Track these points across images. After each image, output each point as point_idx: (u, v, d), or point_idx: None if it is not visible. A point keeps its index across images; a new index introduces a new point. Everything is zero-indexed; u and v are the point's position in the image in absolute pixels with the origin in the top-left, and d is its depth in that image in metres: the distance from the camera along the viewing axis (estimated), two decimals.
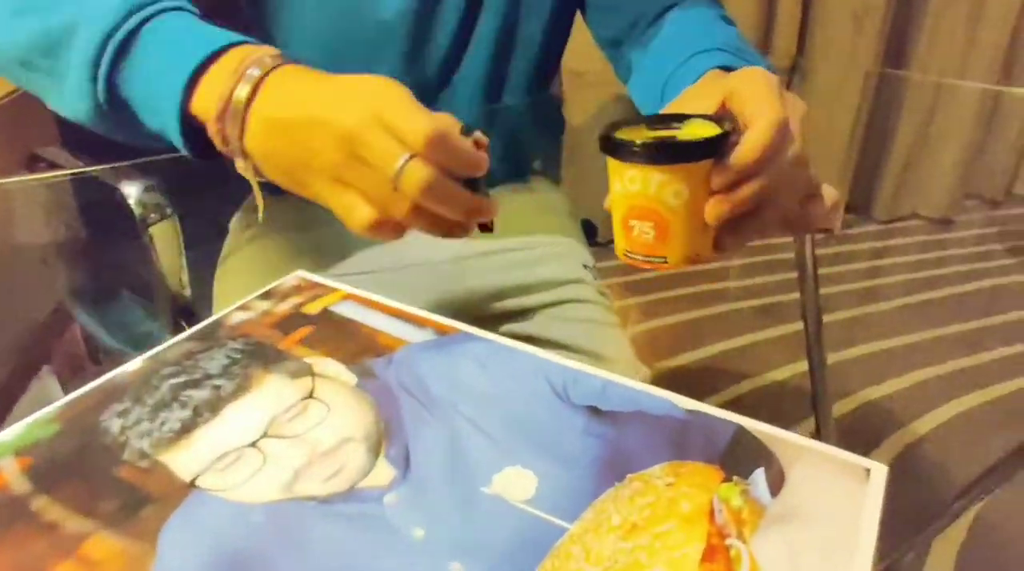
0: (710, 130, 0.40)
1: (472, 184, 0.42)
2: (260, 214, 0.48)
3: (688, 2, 0.69)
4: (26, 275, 1.02)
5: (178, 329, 0.77)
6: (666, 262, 0.42)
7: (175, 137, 0.45)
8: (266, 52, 0.43)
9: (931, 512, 1.01)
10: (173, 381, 0.41)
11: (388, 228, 0.41)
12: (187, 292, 0.75)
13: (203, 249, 0.76)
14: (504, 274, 0.75)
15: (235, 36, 0.44)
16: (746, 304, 1.78)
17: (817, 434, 1.09)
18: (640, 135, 0.41)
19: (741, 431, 0.37)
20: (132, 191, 0.67)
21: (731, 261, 2.01)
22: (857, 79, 1.99)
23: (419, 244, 0.72)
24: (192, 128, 0.44)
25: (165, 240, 0.71)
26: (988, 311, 1.73)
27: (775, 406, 1.39)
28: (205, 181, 0.68)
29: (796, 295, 1.79)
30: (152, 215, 0.70)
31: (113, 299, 0.81)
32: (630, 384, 0.41)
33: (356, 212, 0.41)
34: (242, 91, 0.41)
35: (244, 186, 0.46)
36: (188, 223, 0.71)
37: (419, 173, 0.38)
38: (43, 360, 1.38)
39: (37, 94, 0.49)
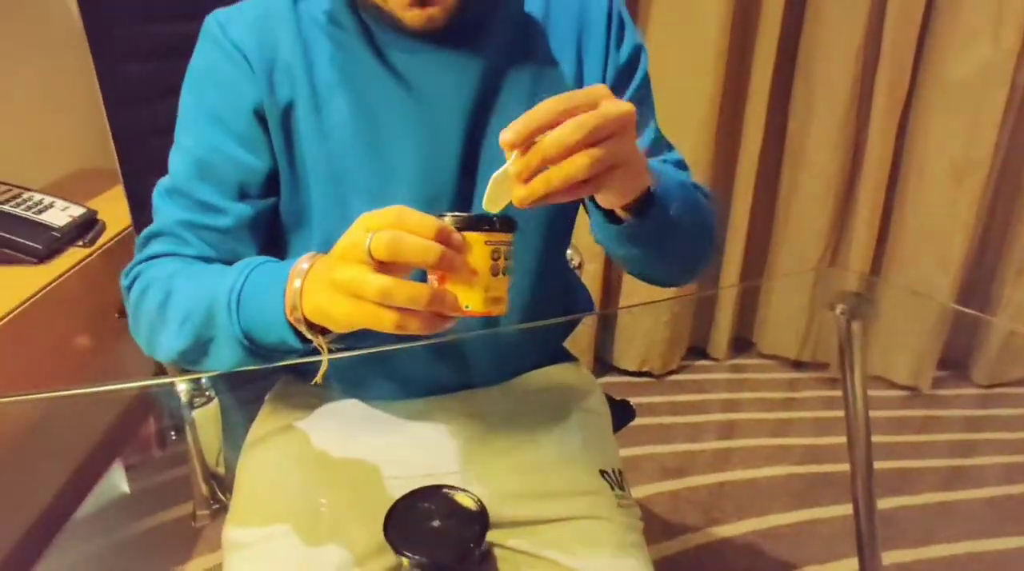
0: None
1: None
2: (320, 375, 0.57)
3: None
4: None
5: (215, 499, 0.82)
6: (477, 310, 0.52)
7: (293, 341, 0.57)
8: (300, 263, 0.56)
9: None
10: None
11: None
12: (222, 469, 0.80)
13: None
14: (515, 477, 0.74)
15: (287, 266, 0.57)
16: (804, 469, 1.67)
17: None
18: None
19: None
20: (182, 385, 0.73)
21: (791, 412, 1.91)
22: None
23: (426, 451, 0.76)
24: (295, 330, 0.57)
25: (207, 423, 0.76)
26: None
27: None
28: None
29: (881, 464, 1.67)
30: (196, 399, 0.75)
31: None
32: None
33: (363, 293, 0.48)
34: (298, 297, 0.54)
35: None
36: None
37: (381, 235, 0.47)
38: (114, 456, 1.50)
39: (202, 367, 0.66)
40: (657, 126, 0.80)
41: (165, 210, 0.69)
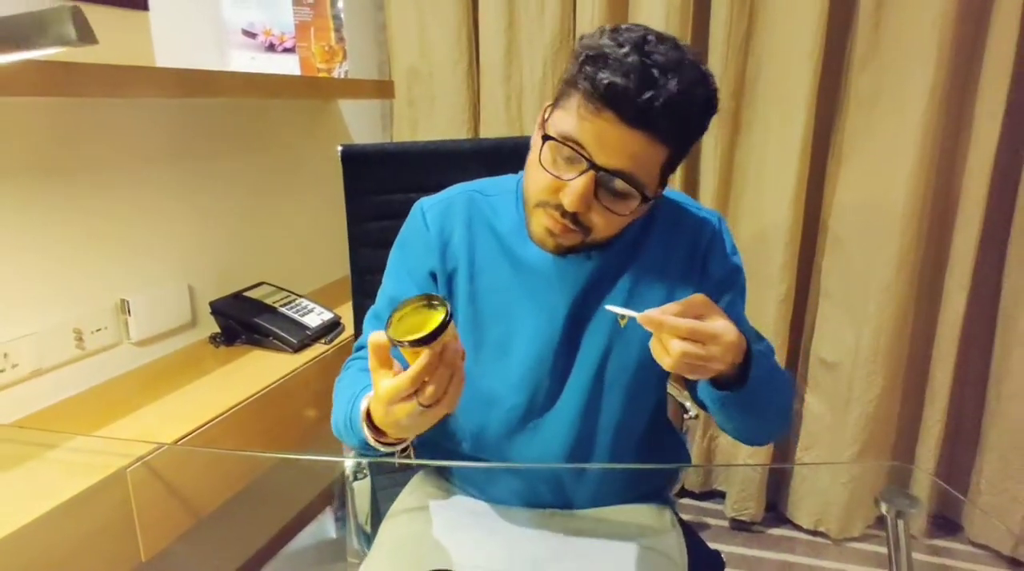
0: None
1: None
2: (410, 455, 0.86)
3: None
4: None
5: (363, 552, 1.07)
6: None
7: (374, 445, 0.81)
8: (363, 408, 0.78)
9: None
10: None
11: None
12: (368, 529, 1.04)
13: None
14: None
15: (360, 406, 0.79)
16: None
17: None
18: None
19: None
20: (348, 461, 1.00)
21: None
22: None
23: (511, 553, 0.93)
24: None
25: (362, 493, 1.02)
26: None
27: None
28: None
29: None
30: (357, 475, 1.02)
31: None
32: None
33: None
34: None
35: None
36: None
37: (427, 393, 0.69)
38: (327, 504, 1.87)
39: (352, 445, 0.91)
40: (747, 327, 0.92)
41: (368, 329, 1.00)
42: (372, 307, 1.00)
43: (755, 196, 1.80)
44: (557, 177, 0.79)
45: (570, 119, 0.77)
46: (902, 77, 1.60)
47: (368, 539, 1.07)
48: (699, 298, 0.74)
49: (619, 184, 0.77)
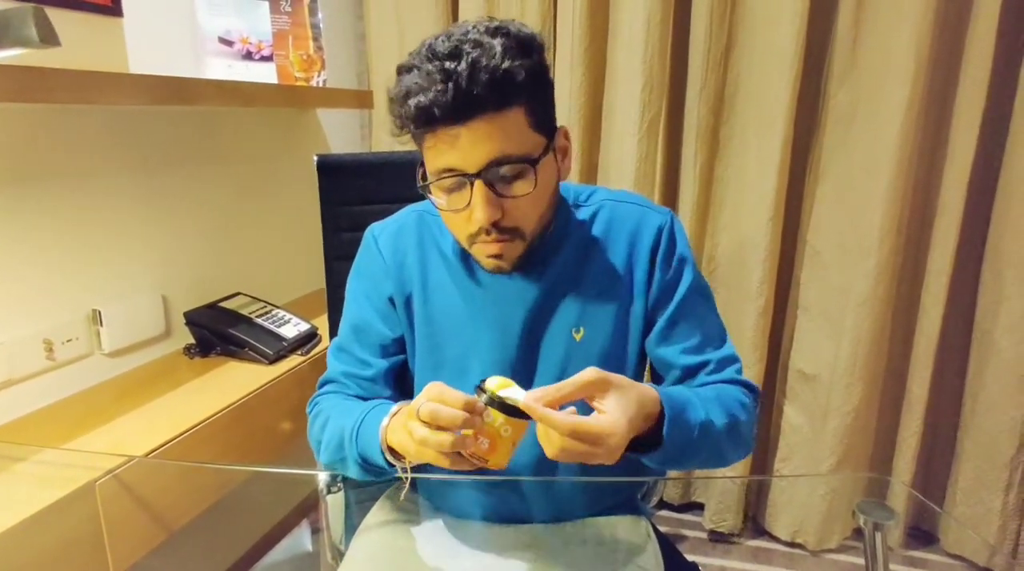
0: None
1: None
2: (403, 494, 0.82)
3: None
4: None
5: (335, 566, 1.05)
6: (487, 463, 0.72)
7: (385, 464, 0.81)
8: (393, 411, 0.80)
9: None
10: None
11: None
12: (342, 546, 1.03)
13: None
14: None
15: (386, 410, 0.81)
16: None
17: None
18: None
19: None
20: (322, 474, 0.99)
21: None
22: None
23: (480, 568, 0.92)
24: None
25: (336, 506, 1.01)
26: None
27: None
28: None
29: None
30: (331, 488, 1.00)
31: None
32: None
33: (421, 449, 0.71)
34: (385, 432, 0.80)
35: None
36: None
37: (425, 406, 0.69)
38: (303, 518, 1.84)
39: (341, 472, 0.92)
40: (711, 325, 0.92)
41: (334, 363, 0.98)
42: (335, 340, 0.99)
43: (734, 210, 1.81)
44: (460, 209, 0.79)
45: (428, 159, 0.78)
46: (880, 93, 1.62)
47: (342, 553, 1.05)
48: (593, 378, 0.70)
49: (506, 170, 0.76)
